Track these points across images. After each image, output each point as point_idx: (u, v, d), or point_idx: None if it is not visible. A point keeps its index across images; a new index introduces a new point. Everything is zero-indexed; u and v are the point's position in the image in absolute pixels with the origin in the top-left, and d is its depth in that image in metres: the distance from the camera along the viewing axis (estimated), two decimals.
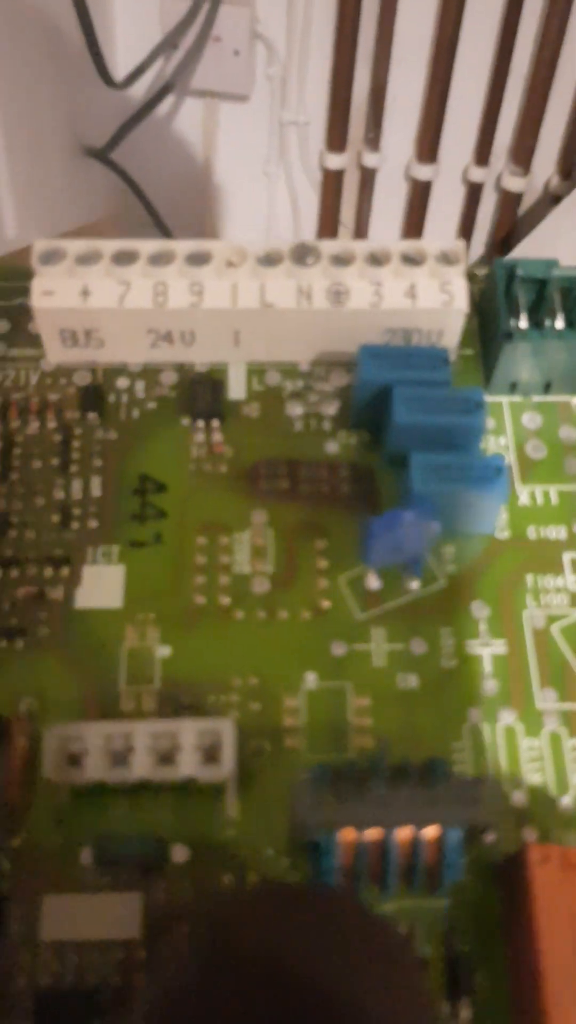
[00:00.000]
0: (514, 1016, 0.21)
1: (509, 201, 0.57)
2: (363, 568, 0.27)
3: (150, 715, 0.25)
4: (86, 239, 0.28)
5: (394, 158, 0.56)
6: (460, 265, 0.28)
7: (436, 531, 0.25)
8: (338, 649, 0.26)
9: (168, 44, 0.49)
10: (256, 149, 0.57)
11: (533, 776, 0.24)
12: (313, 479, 0.28)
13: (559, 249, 0.47)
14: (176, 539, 0.27)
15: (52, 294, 0.27)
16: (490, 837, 0.22)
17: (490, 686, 0.25)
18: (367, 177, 0.58)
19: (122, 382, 0.29)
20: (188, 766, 0.22)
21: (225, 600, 0.26)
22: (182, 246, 0.28)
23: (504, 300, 0.28)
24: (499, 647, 0.26)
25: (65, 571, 0.26)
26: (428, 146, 0.55)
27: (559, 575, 0.27)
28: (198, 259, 0.28)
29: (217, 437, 0.28)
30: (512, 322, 0.28)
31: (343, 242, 0.28)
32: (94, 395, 0.29)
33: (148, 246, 0.28)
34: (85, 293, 0.27)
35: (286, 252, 0.28)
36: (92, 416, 0.29)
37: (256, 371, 0.30)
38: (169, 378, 0.29)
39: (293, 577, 0.27)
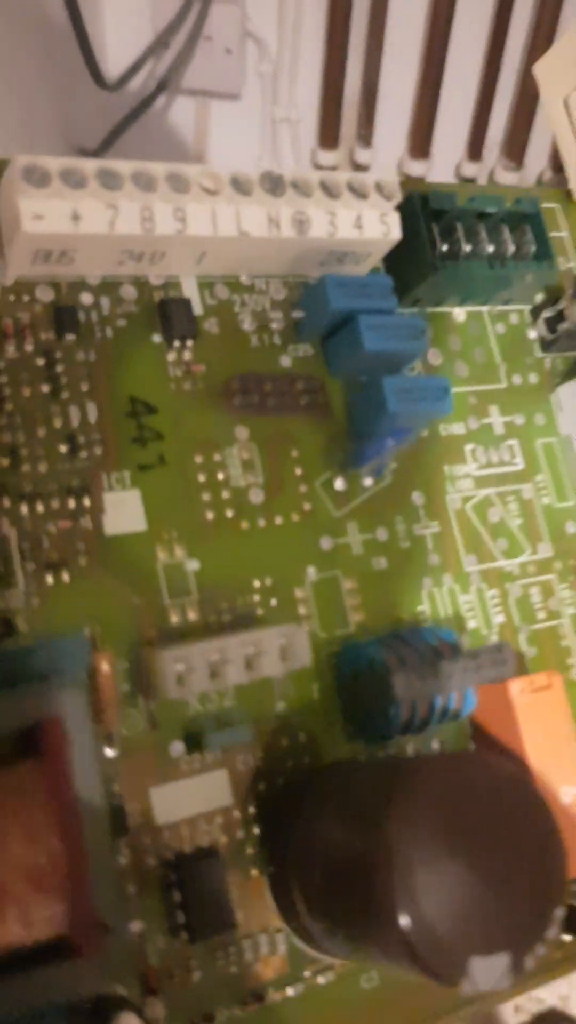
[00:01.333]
0: None
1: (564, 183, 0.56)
2: (331, 472, 0.31)
3: (195, 624, 0.28)
4: (63, 157, 0.27)
5: (386, 154, 0.55)
6: (395, 199, 0.32)
7: (401, 443, 0.31)
8: (326, 544, 0.31)
9: (159, 44, 0.48)
10: (248, 147, 0.52)
11: (471, 622, 0.32)
12: (277, 392, 0.31)
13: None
14: (177, 459, 0.29)
15: (42, 218, 0.26)
16: None
17: (433, 559, 0.32)
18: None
19: (86, 297, 0.29)
20: (270, 667, 0.27)
21: (230, 512, 0.30)
22: (158, 168, 0.28)
23: (424, 228, 0.32)
24: (435, 527, 0.33)
25: (87, 500, 0.28)
26: (420, 141, 0.54)
27: (464, 464, 0.34)
28: (177, 183, 0.28)
29: (187, 355, 0.30)
30: (433, 249, 0.33)
31: (299, 171, 0.30)
32: (66, 315, 0.29)
33: (126, 167, 0.28)
34: (76, 218, 0.27)
35: (256, 180, 0.29)
36: (70, 338, 0.29)
37: (206, 284, 0.31)
38: (128, 292, 0.30)
39: (279, 485, 0.31)
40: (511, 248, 0.34)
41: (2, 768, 0.21)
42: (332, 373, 0.32)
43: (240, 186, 0.29)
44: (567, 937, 0.30)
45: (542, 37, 0.54)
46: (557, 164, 0.60)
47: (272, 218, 0.30)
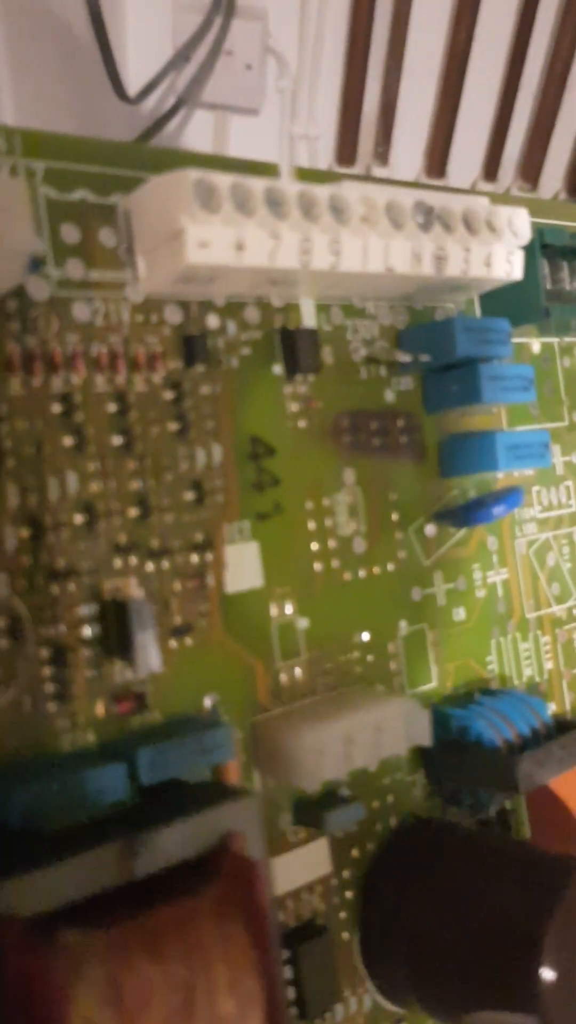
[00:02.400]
0: None
1: None
2: (424, 518, 0.30)
3: (302, 686, 0.27)
4: (232, 173, 0.23)
5: (403, 172, 0.53)
6: (522, 237, 0.30)
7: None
8: (416, 595, 0.30)
9: (180, 58, 0.48)
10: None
11: (527, 670, 0.33)
12: (381, 431, 0.30)
13: None
14: (291, 506, 0.27)
15: (208, 247, 0.23)
16: None
17: (501, 607, 0.32)
18: None
19: (212, 320, 0.26)
20: (394, 746, 0.26)
21: (336, 563, 0.28)
22: (320, 192, 0.25)
23: (540, 277, 0.31)
24: (504, 574, 0.33)
25: (209, 556, 0.25)
26: (437, 160, 0.53)
27: (531, 506, 0.34)
28: (337, 209, 0.25)
29: (304, 389, 0.28)
30: (546, 298, 0.31)
31: (444, 199, 0.28)
32: (195, 344, 0.25)
33: (292, 189, 0.24)
34: (240, 248, 0.24)
35: (408, 211, 0.27)
36: (199, 369, 0.26)
37: (323, 308, 0.29)
38: (252, 315, 0.27)
39: (378, 532, 0.29)
40: None
41: (183, 902, 0.20)
42: (429, 411, 0.31)
43: (393, 216, 0.26)
44: None
45: (560, 60, 0.55)
46: (572, 185, 0.61)
47: (416, 254, 0.27)
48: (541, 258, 0.31)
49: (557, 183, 0.61)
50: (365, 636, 0.29)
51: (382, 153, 0.55)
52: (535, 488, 0.34)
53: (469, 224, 0.28)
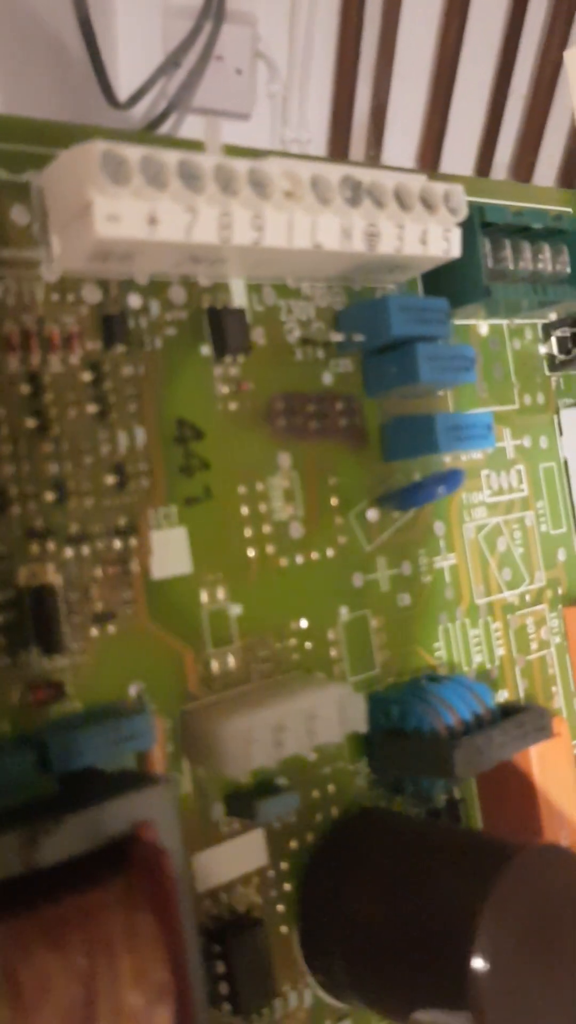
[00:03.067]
0: None
1: None
2: (365, 503, 0.30)
3: (235, 674, 0.26)
4: (142, 145, 0.23)
5: None
6: (460, 214, 0.29)
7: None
8: (358, 581, 0.29)
9: (170, 64, 0.48)
10: None
11: (476, 656, 0.32)
12: (319, 414, 0.29)
13: None
14: (222, 491, 0.27)
15: (118, 221, 0.22)
16: None
17: (449, 593, 0.32)
18: None
19: (134, 300, 0.26)
20: (328, 733, 0.25)
21: (271, 549, 0.28)
22: (240, 165, 0.24)
23: (480, 253, 0.30)
24: (452, 559, 0.32)
25: (134, 541, 0.25)
26: (429, 163, 0.54)
27: (481, 491, 0.33)
28: (258, 184, 0.25)
29: (235, 371, 0.27)
30: (487, 277, 0.31)
31: (376, 175, 0.27)
32: (115, 324, 0.25)
33: (208, 161, 0.24)
34: (152, 222, 0.23)
35: (335, 186, 0.26)
36: (120, 349, 0.25)
37: (254, 288, 0.28)
38: (178, 295, 0.26)
39: (318, 518, 0.29)
40: (550, 267, 0.33)
41: (89, 892, 0.19)
42: (370, 394, 0.30)
43: (320, 192, 0.26)
44: None
45: (550, 62, 0.55)
46: (564, 186, 0.61)
47: (346, 231, 0.27)
48: (482, 236, 0.31)
49: (550, 182, 0.61)
50: (303, 623, 0.28)
51: (374, 156, 0.56)
52: (484, 472, 0.33)
53: (402, 200, 0.28)
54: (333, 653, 0.29)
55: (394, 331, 0.28)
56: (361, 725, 0.26)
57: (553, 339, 0.36)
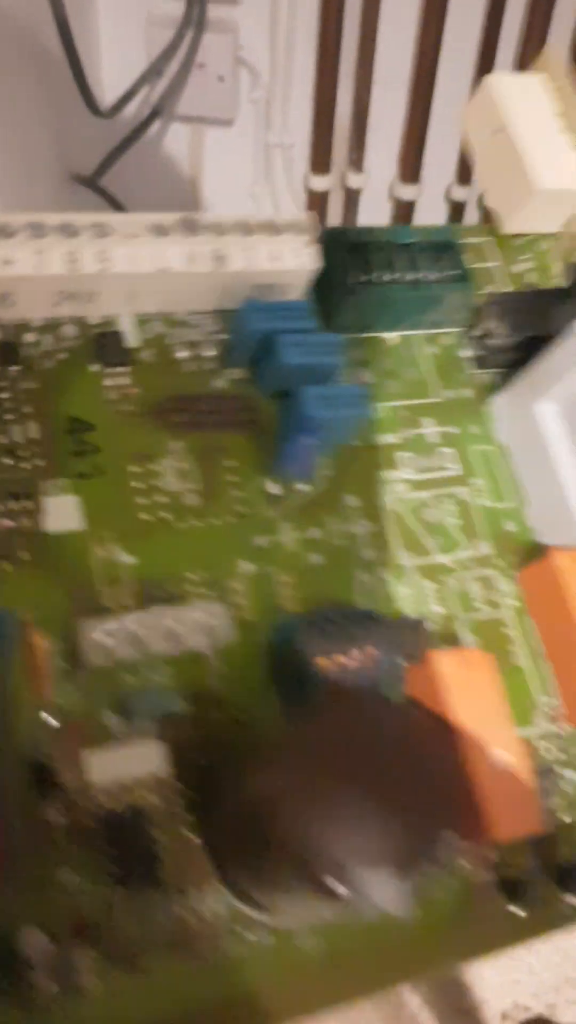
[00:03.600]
0: None
1: (492, 219, 0.59)
2: (263, 479, 0.34)
3: (131, 608, 0.30)
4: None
5: (378, 178, 0.56)
6: (309, 235, 0.35)
7: (325, 448, 0.34)
8: (260, 541, 0.33)
9: (153, 72, 0.48)
10: (242, 172, 0.54)
11: (408, 612, 0.34)
12: (212, 411, 0.35)
13: None
14: (114, 469, 0.32)
15: None
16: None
17: (368, 554, 0.34)
18: (352, 197, 0.57)
19: (30, 336, 0.33)
20: (194, 640, 0.29)
21: (166, 514, 0.32)
22: (83, 219, 0.32)
23: (339, 260, 0.36)
24: (369, 526, 0.35)
25: (28, 504, 0.31)
26: (411, 166, 0.56)
27: (397, 470, 0.36)
28: (101, 231, 0.33)
29: (124, 380, 0.34)
30: (347, 277, 0.36)
31: (216, 215, 0.34)
32: (10, 350, 0.33)
33: (53, 219, 0.32)
34: (7, 262, 0.31)
35: (175, 223, 0.33)
36: (14, 369, 0.33)
37: (144, 321, 0.35)
38: (69, 331, 0.34)
39: (214, 492, 0.33)
40: (431, 275, 0.37)
41: None
42: (264, 393, 0.35)
43: (160, 230, 0.33)
44: (513, 908, 0.30)
45: (527, 64, 0.56)
46: None
47: (191, 255, 0.34)
48: (345, 253, 0.36)
49: None
50: (201, 574, 0.32)
51: (356, 160, 0.56)
52: (401, 453, 0.36)
53: (245, 229, 0.34)
54: (236, 600, 0.32)
55: (251, 326, 0.34)
56: (228, 635, 0.29)
57: (471, 340, 0.39)
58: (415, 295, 0.37)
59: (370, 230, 0.37)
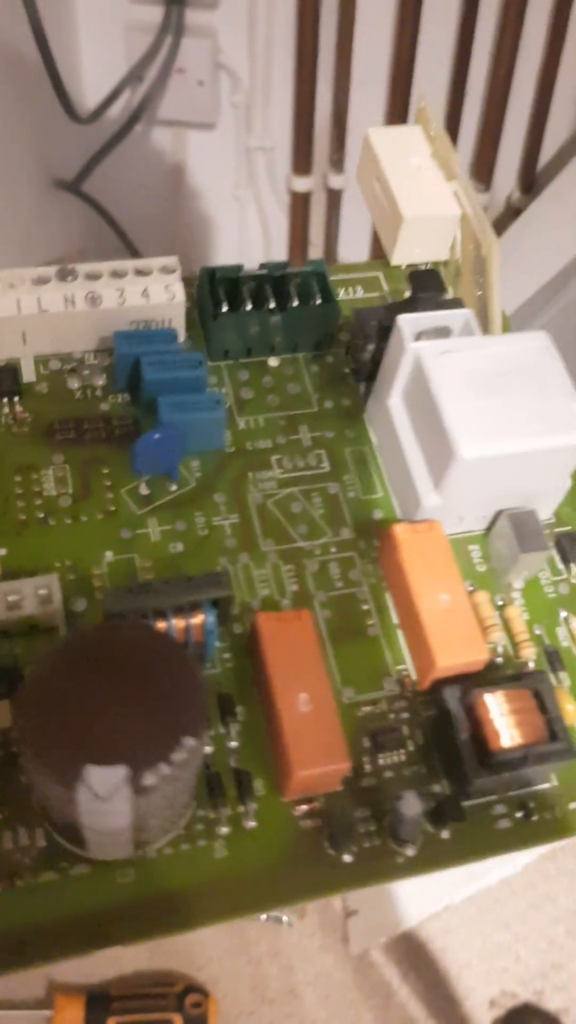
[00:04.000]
0: (267, 729, 0.33)
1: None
2: (138, 482, 0.38)
3: None
4: None
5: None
6: (177, 273, 0.40)
7: (180, 448, 0.38)
8: (125, 534, 0.37)
9: (133, 77, 0.50)
10: (225, 175, 0.58)
11: (263, 590, 0.36)
12: (94, 429, 0.39)
13: (521, 260, 0.51)
14: (0, 480, 0.38)
15: None
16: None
17: (230, 542, 0.37)
18: (334, 198, 0.60)
19: None
20: (30, 608, 0.33)
21: (40, 514, 0.37)
22: None
23: (209, 294, 0.41)
24: (234, 518, 0.38)
25: None
26: None
27: (270, 470, 0.39)
28: None
29: (17, 408, 0.39)
30: (216, 308, 0.41)
31: (92, 264, 0.40)
32: None
33: None
34: None
35: (53, 273, 0.39)
36: None
37: (41, 360, 0.41)
38: None
39: (87, 495, 0.38)
40: (296, 302, 0.41)
41: None
42: (140, 412, 0.40)
43: (40, 279, 0.39)
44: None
45: (503, 64, 0.56)
46: (525, 184, 0.61)
47: (67, 298, 0.39)
48: (218, 287, 0.41)
49: (511, 182, 0.60)
50: (67, 563, 0.36)
51: (337, 160, 0.56)
52: (275, 456, 0.40)
53: (116, 273, 0.40)
54: (97, 583, 0.36)
55: (118, 350, 0.39)
56: (57, 604, 0.33)
57: (348, 356, 0.43)
58: (282, 320, 0.41)
59: (238, 267, 0.42)
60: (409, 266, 0.46)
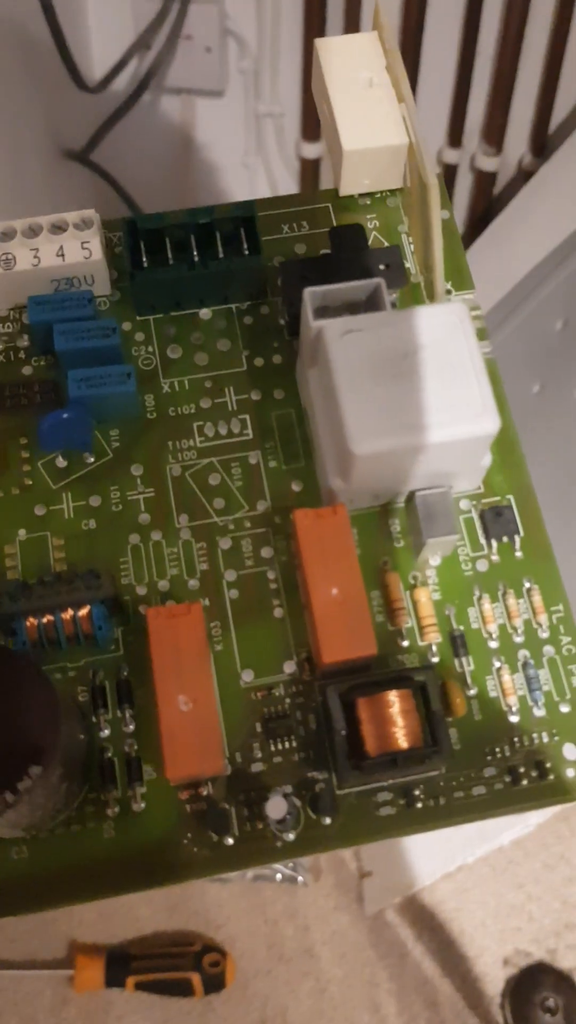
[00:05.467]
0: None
1: (483, 181, 0.59)
2: (55, 454, 0.38)
3: None
4: None
5: None
6: (95, 227, 0.39)
7: (90, 424, 0.37)
8: (39, 511, 0.38)
9: (141, 45, 0.50)
10: (234, 142, 0.58)
11: (172, 570, 0.37)
12: (17, 395, 0.39)
13: (533, 224, 0.50)
14: None
15: None
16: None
17: (144, 518, 0.38)
18: None
19: None
20: None
21: None
22: None
23: (128, 248, 0.39)
24: (149, 492, 0.38)
25: None
26: None
27: (191, 439, 0.39)
28: None
29: None
30: (134, 265, 0.39)
31: (5, 222, 0.39)
32: None
33: None
34: None
35: None
36: None
37: None
38: None
39: (5, 468, 0.38)
40: (222, 251, 0.39)
41: None
42: (60, 377, 0.39)
43: None
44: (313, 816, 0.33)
45: (514, 23, 0.54)
46: (536, 147, 0.59)
47: None
48: (138, 240, 0.39)
49: (522, 145, 0.58)
50: None
51: None
52: (198, 423, 0.39)
53: (33, 230, 0.39)
54: (9, 563, 0.37)
55: (32, 319, 0.38)
56: None
57: (282, 309, 0.41)
58: (206, 272, 0.39)
59: (173, 213, 0.40)
60: (361, 196, 0.43)
